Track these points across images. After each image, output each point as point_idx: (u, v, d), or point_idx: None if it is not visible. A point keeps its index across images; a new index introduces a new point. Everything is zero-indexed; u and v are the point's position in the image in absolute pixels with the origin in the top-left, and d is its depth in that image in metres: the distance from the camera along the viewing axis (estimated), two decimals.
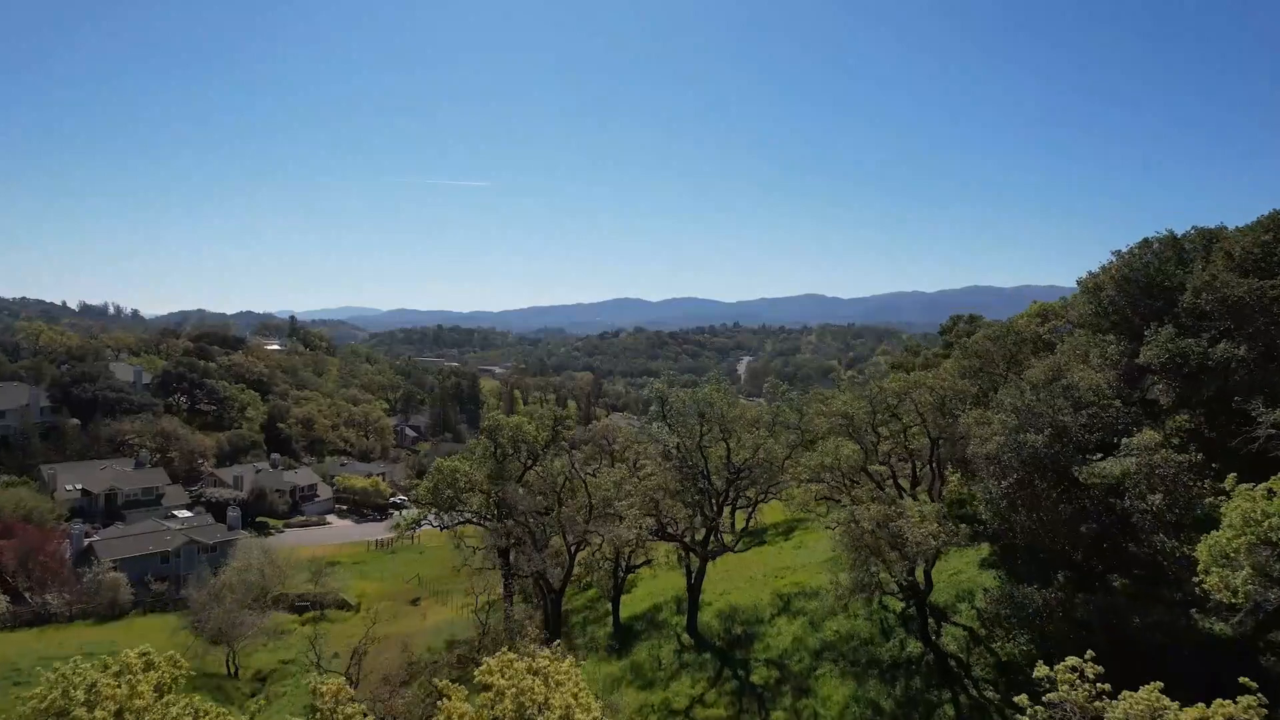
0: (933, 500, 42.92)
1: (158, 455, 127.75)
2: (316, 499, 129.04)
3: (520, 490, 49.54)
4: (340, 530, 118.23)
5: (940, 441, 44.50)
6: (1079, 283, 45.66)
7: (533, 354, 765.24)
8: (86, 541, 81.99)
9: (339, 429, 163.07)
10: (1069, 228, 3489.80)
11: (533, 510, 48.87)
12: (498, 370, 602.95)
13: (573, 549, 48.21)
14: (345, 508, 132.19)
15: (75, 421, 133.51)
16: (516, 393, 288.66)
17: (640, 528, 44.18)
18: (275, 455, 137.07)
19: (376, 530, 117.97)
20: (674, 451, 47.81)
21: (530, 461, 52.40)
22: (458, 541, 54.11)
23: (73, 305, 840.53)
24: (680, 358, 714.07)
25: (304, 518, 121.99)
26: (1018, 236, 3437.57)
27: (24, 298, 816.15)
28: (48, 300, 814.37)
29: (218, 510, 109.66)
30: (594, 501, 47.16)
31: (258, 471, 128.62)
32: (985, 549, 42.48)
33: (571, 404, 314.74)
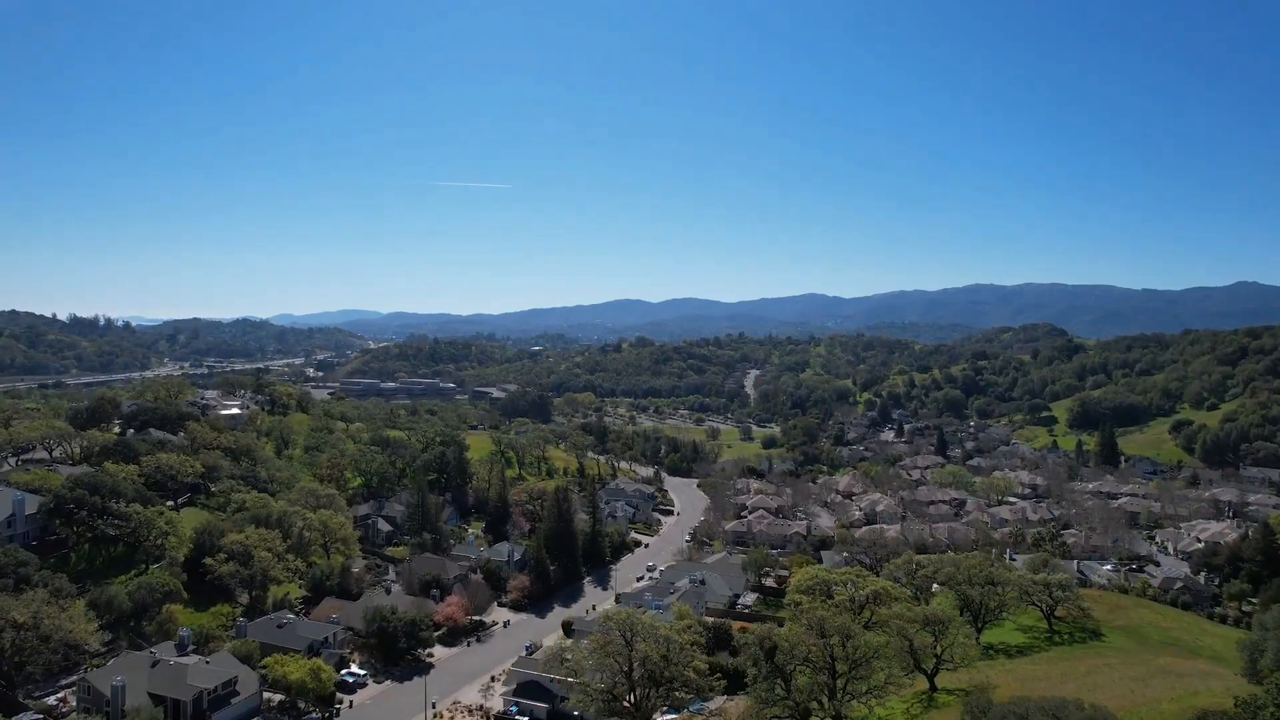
0: None
1: (9, 648, 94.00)
2: (235, 699, 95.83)
3: None
4: None
5: None
6: None
7: (532, 370, 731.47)
8: None
9: (284, 559, 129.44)
10: (1071, 226, 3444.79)
11: None
12: (495, 393, 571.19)
13: None
14: (277, 702, 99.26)
15: None
16: (511, 453, 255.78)
17: None
18: (185, 632, 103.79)
19: None
20: None
21: None
22: None
23: (62, 317, 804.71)
24: (685, 374, 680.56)
25: None
26: (1020, 234, 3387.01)
27: (13, 310, 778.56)
28: (38, 313, 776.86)
29: None
30: None
31: (154, 665, 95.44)
32: None
33: (574, 458, 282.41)
